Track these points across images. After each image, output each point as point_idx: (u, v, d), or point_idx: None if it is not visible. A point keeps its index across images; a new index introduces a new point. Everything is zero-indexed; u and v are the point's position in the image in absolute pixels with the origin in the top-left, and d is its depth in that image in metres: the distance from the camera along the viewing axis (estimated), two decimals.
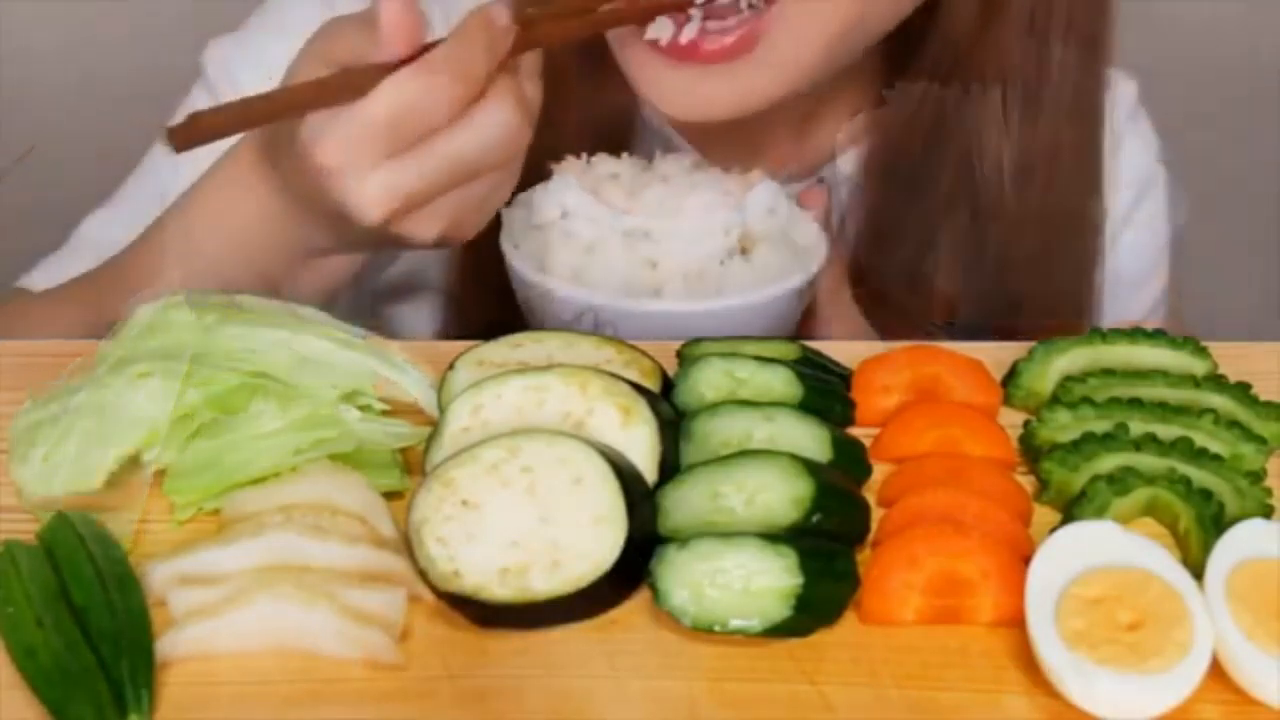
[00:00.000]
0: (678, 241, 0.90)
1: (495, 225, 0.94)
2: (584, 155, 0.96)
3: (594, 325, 0.87)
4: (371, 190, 0.80)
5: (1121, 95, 1.13)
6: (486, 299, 1.06)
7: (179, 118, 1.09)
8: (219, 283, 0.91)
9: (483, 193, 0.84)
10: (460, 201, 0.83)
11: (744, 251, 0.91)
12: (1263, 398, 0.79)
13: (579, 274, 0.90)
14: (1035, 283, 1.07)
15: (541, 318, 0.90)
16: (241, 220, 0.91)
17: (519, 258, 0.91)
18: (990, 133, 1.03)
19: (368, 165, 0.80)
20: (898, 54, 1.03)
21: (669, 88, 0.94)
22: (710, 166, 0.97)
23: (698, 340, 0.81)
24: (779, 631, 0.64)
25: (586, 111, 1.04)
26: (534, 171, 0.96)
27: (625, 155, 0.97)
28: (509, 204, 0.94)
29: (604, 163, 0.96)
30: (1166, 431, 0.75)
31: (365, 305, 1.16)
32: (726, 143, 1.07)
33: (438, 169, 0.81)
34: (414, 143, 0.80)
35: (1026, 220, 1.04)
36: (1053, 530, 0.68)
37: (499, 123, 0.81)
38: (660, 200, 0.91)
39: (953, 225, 1.06)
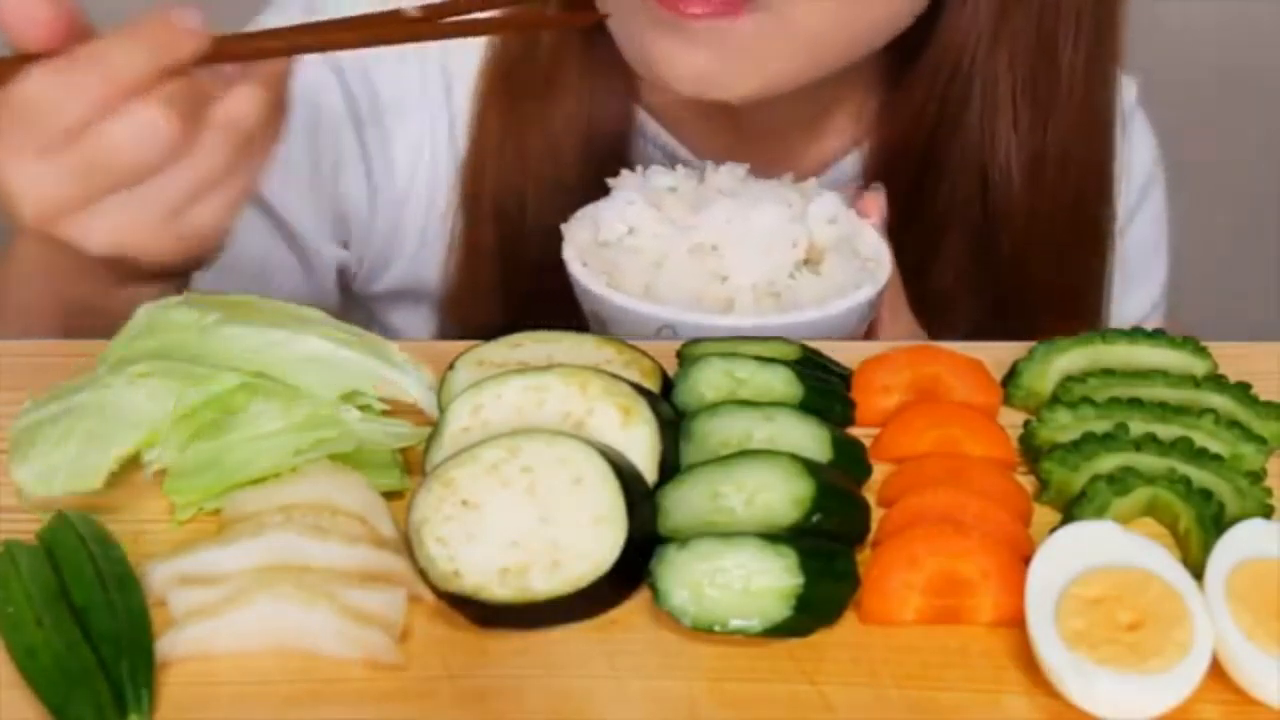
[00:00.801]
0: (747, 255, 0.89)
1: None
2: (639, 168, 0.96)
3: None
4: (19, 183, 0.77)
5: (1123, 95, 1.13)
6: (481, 305, 1.06)
7: None
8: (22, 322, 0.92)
9: (164, 200, 0.79)
10: (129, 207, 0.79)
11: (809, 263, 0.91)
12: (1263, 398, 0.79)
13: (649, 290, 0.89)
14: (1049, 284, 1.07)
15: (614, 334, 0.89)
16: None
17: (588, 275, 0.91)
18: (1001, 133, 1.02)
19: (11, 158, 0.77)
20: (901, 56, 1.02)
21: (671, 60, 0.93)
22: (761, 178, 0.97)
23: (697, 340, 0.81)
24: (779, 631, 0.64)
25: (583, 121, 1.04)
26: (540, 183, 0.95)
27: (680, 167, 0.96)
28: (569, 220, 0.94)
29: (660, 175, 0.96)
30: (1166, 431, 0.75)
31: (363, 313, 1.16)
32: (727, 149, 1.07)
33: (82, 166, 0.77)
34: (62, 138, 0.76)
35: (1040, 220, 1.04)
36: (1053, 530, 0.68)
37: (145, 123, 0.76)
38: (727, 214, 0.90)
39: (963, 225, 1.06)
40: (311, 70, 1.00)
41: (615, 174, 0.98)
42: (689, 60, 0.93)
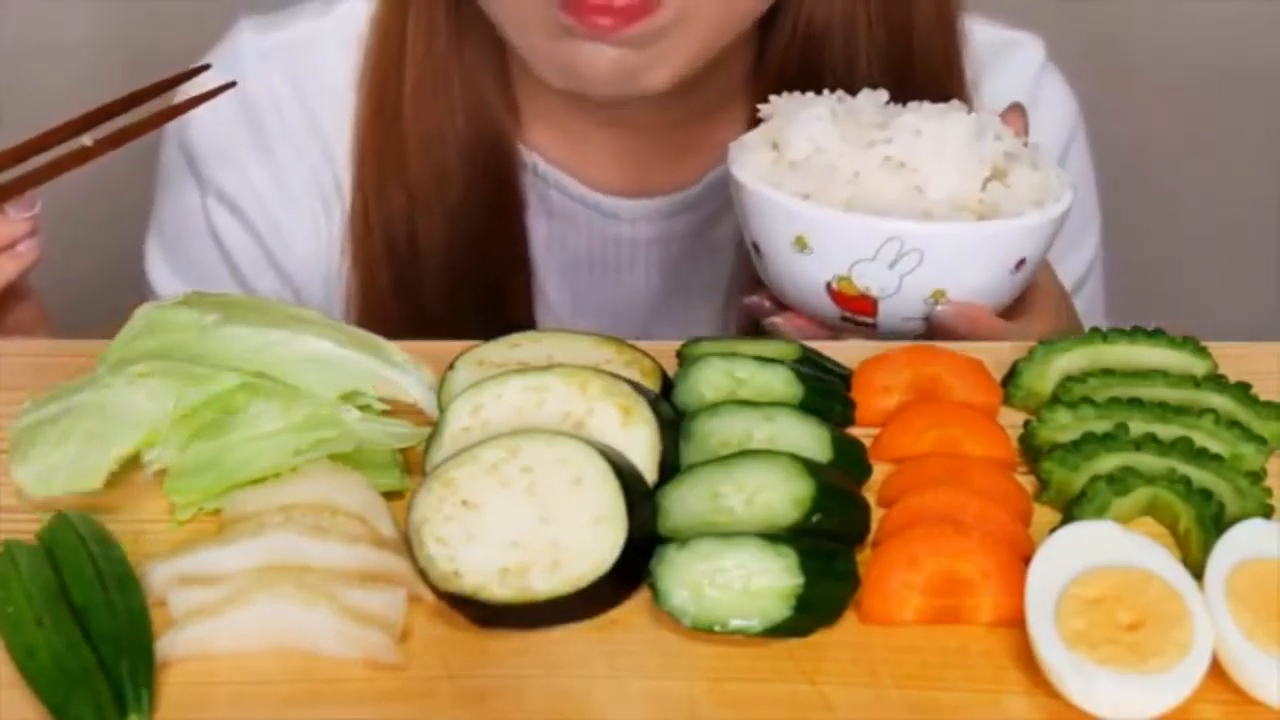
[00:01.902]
0: (941, 168, 0.87)
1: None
2: (782, 94, 0.94)
3: (895, 256, 0.84)
4: None
5: (1030, 54, 1.16)
6: (381, 307, 1.08)
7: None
8: None
9: None
10: None
11: (991, 178, 0.90)
12: (1263, 398, 0.79)
13: (851, 206, 0.87)
14: None
15: (825, 260, 0.86)
16: None
17: (788, 197, 0.87)
18: (861, 52, 1.04)
19: None
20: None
21: (584, 63, 0.94)
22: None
23: (697, 340, 0.81)
24: (779, 631, 0.64)
25: (466, 142, 1.05)
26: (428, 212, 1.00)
27: (825, 91, 0.94)
28: (732, 145, 0.91)
29: (810, 99, 0.93)
30: (1166, 431, 0.75)
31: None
32: (610, 163, 1.08)
33: None
34: None
35: None
36: (1053, 530, 0.68)
37: None
38: (916, 124, 0.88)
39: None
40: (212, 217, 1.10)
41: (506, 186, 0.99)
42: (602, 59, 0.93)
